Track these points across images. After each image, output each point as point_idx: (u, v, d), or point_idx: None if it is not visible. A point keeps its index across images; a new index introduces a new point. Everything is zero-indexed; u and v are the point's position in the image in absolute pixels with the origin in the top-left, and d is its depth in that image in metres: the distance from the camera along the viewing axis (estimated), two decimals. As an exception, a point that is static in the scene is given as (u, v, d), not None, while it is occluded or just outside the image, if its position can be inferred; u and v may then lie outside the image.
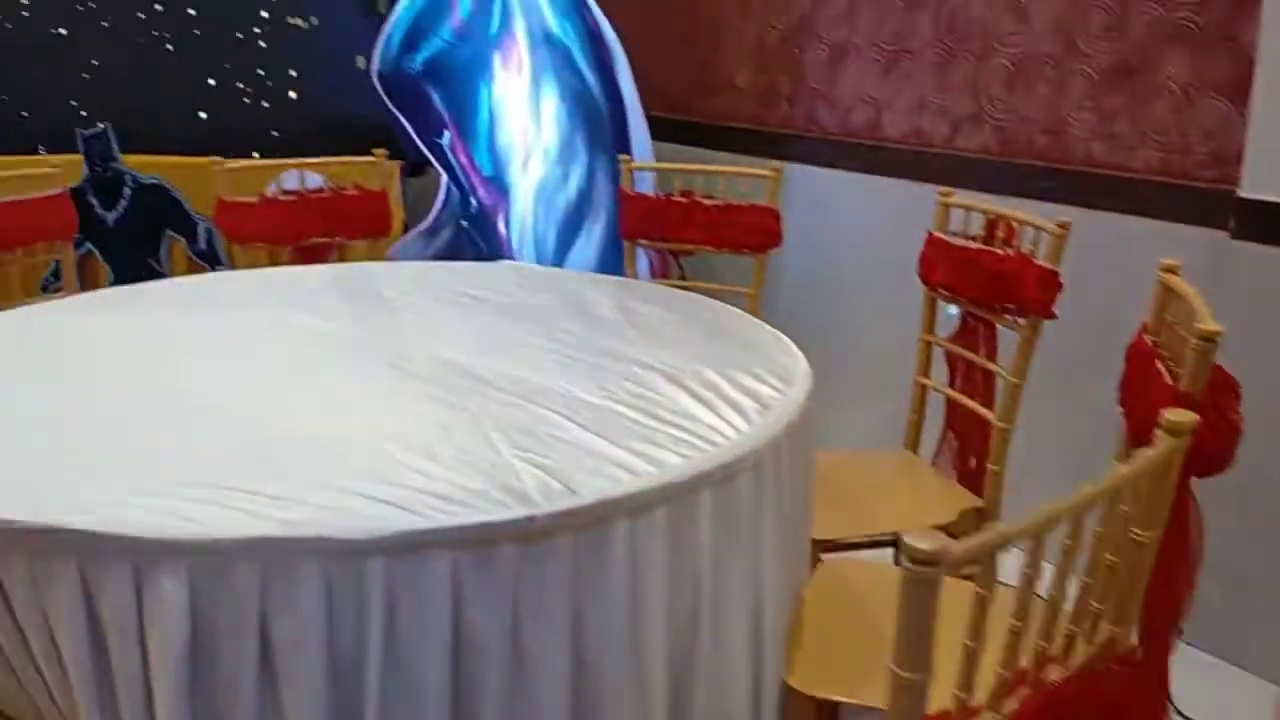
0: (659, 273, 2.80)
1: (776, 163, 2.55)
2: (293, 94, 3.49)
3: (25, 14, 3.36)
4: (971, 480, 2.09)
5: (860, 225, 3.08)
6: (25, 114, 3.41)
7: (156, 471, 1.25)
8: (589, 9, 3.05)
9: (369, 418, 1.45)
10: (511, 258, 3.32)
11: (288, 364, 1.71)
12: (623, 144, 3.12)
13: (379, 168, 2.73)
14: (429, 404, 1.49)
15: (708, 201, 2.54)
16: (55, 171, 2.45)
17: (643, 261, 2.87)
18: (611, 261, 3.16)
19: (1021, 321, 1.96)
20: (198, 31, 3.44)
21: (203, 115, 3.48)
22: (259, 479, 1.22)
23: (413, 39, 3.22)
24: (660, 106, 3.55)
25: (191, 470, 1.25)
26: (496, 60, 3.20)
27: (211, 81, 3.47)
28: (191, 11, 3.42)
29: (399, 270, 2.32)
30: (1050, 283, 1.88)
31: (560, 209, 3.26)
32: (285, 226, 2.59)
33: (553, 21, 3.09)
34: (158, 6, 3.39)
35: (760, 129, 3.38)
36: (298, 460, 1.30)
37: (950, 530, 1.91)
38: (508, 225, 3.32)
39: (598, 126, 3.15)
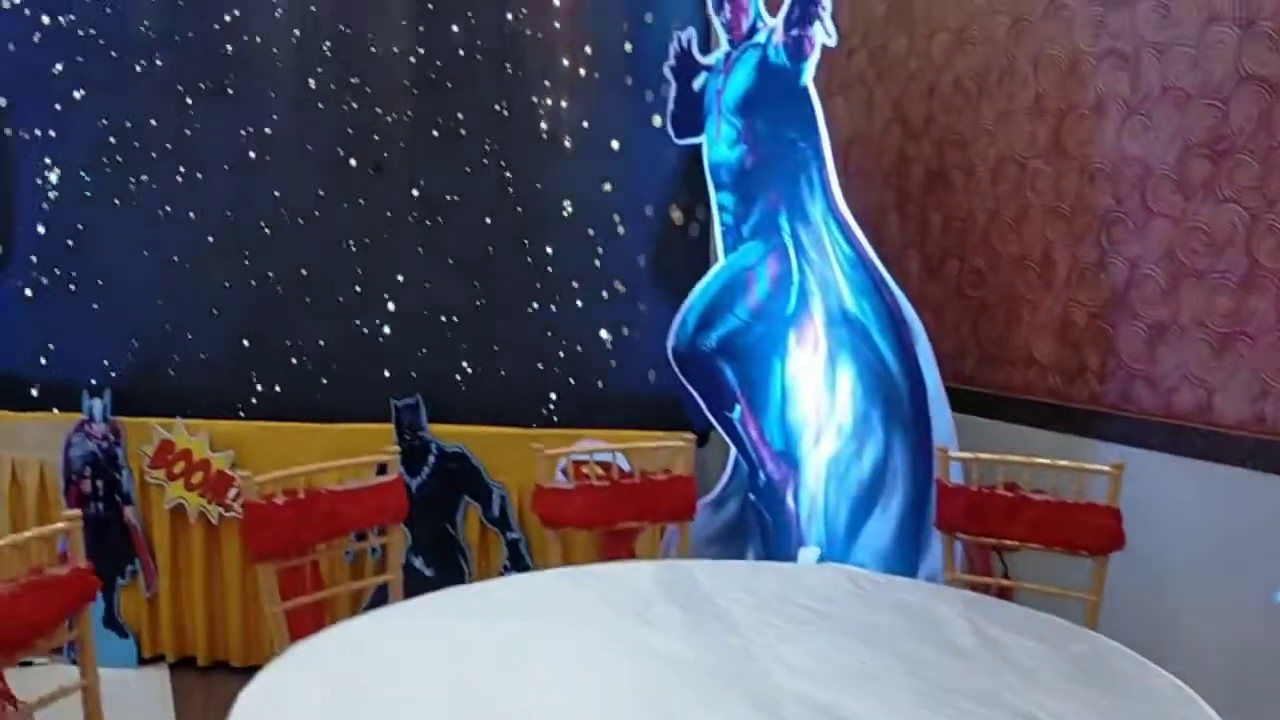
0: (979, 569, 2.64)
1: (1115, 459, 2.39)
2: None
3: (358, 289, 3.66)
4: None
5: (1190, 515, 2.84)
6: (343, 387, 3.67)
7: None
8: (888, 288, 3.04)
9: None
10: (800, 533, 3.24)
11: (631, 689, 1.64)
12: (923, 423, 3.03)
13: (687, 452, 2.73)
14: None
15: (1036, 497, 2.41)
16: (392, 457, 2.56)
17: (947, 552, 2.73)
18: (909, 543, 3.03)
19: None
20: (492, 302, 3.66)
21: (502, 385, 3.64)
22: None
23: (708, 318, 3.29)
24: (951, 376, 3.46)
25: None
26: (792, 337, 3.22)
27: (506, 351, 3.65)
28: (477, 284, 3.65)
29: (721, 571, 2.26)
30: None
31: (853, 486, 3.17)
32: (597, 512, 2.61)
33: (851, 301, 3.10)
34: (475, 283, 3.63)
35: (1063, 404, 3.23)
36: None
37: None
38: (797, 500, 3.26)
39: (895, 404, 3.08)
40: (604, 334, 3.58)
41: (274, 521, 2.29)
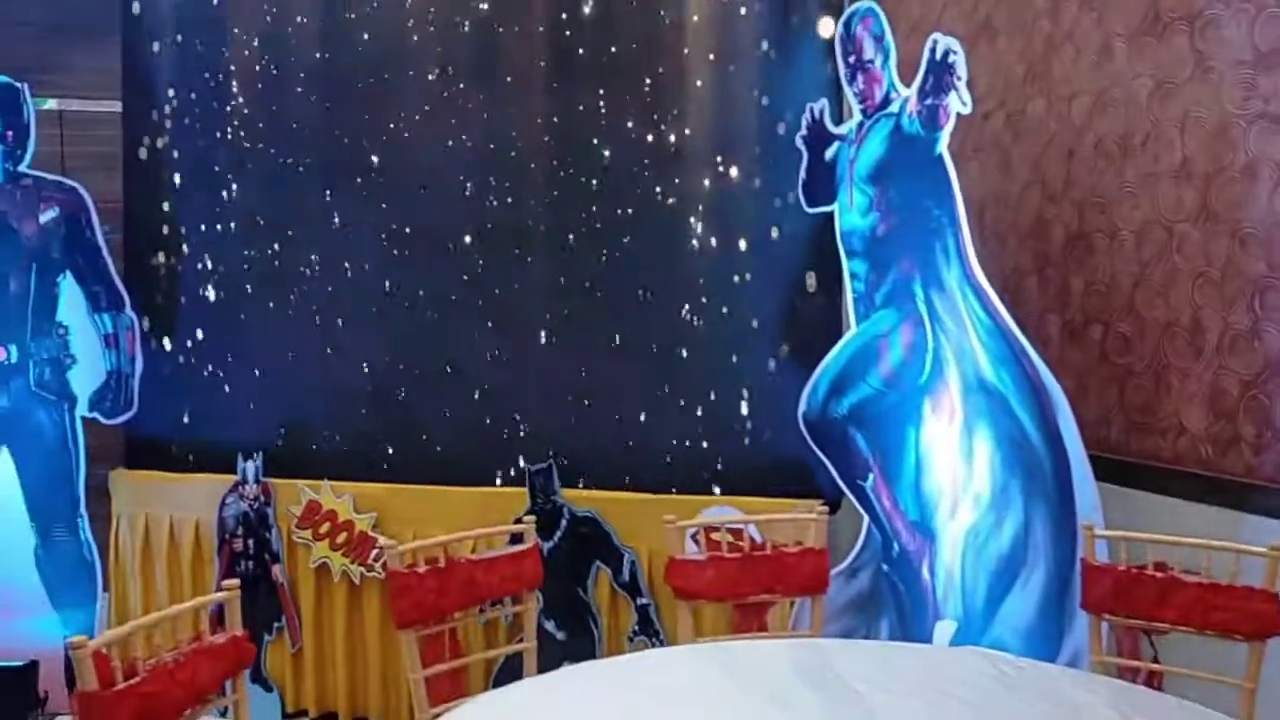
0: (1128, 652, 2.54)
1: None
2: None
3: (495, 359, 3.76)
4: None
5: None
6: (479, 452, 3.77)
7: None
8: (1028, 357, 2.98)
9: None
10: (936, 606, 3.17)
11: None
12: (1066, 496, 2.94)
13: (820, 524, 2.71)
14: None
15: (1188, 578, 2.31)
16: (529, 527, 2.62)
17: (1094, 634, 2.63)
18: (1051, 621, 2.92)
19: None
20: (624, 367, 3.70)
21: (633, 449, 3.68)
22: None
23: (840, 385, 3.27)
24: (1095, 444, 3.36)
25: None
26: (926, 405, 3.17)
27: (637, 416, 3.69)
28: (610, 351, 3.70)
29: (857, 653, 2.23)
30: None
31: (992, 559, 3.08)
32: (729, 584, 2.61)
33: (988, 369, 3.04)
34: (607, 350, 3.69)
35: (1216, 476, 3.09)
36: None
37: None
38: (932, 572, 3.19)
39: (1036, 476, 3.00)
40: (735, 399, 3.58)
41: (416, 590, 2.36)
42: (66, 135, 5.10)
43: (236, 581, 2.12)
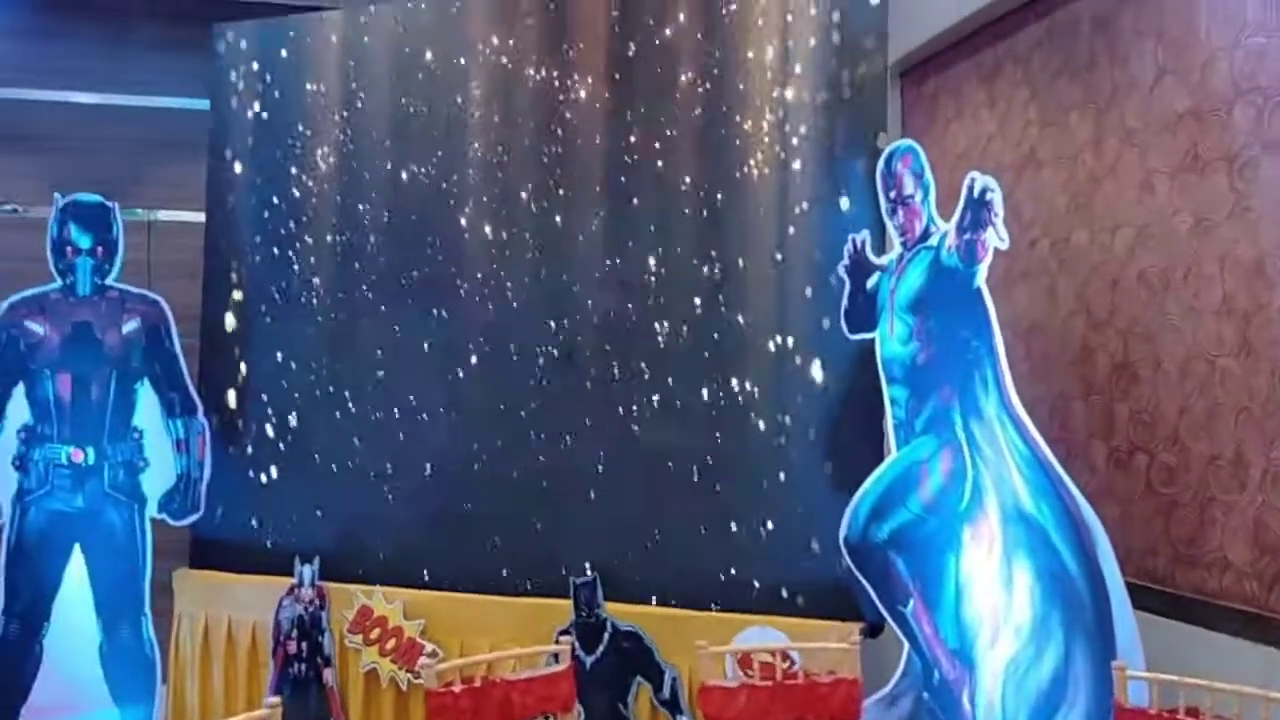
0: (1162, 798, 2.50)
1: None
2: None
3: (543, 472, 3.86)
4: None
5: None
6: (526, 563, 3.85)
7: None
8: (1067, 490, 3.00)
9: None
10: (976, 736, 3.15)
11: None
12: (1106, 631, 2.93)
13: (853, 654, 2.74)
14: None
15: (1221, 726, 2.29)
16: (565, 648, 2.68)
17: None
18: (1094, 758, 2.89)
19: None
20: (669, 485, 3.78)
21: (676, 566, 3.73)
22: None
23: (881, 509, 3.31)
24: (1140, 574, 3.34)
25: None
26: (966, 533, 3.19)
27: (681, 534, 3.75)
28: (656, 468, 3.78)
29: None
30: None
31: (1032, 692, 3.07)
32: (761, 714, 2.64)
33: (1027, 500, 3.06)
34: (653, 467, 3.78)
35: (1261, 613, 3.05)
36: None
37: None
38: (973, 702, 3.17)
39: (1076, 609, 3.00)
40: (778, 520, 3.63)
41: (451, 710, 2.43)
42: (154, 243, 5.42)
43: (278, 700, 2.21)
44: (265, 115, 4.33)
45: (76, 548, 4.01)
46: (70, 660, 3.99)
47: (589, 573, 3.67)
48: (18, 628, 3.99)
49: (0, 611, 4.00)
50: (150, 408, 4.09)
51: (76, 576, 4.02)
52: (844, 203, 3.56)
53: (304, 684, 3.86)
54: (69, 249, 4.05)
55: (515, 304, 3.94)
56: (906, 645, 3.32)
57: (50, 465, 4.00)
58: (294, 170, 4.26)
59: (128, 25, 5.63)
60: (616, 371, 3.82)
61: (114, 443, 4.03)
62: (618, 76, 3.88)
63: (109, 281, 4.08)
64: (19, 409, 4.03)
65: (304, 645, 3.90)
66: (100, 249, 4.06)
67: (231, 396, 4.26)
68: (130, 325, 4.05)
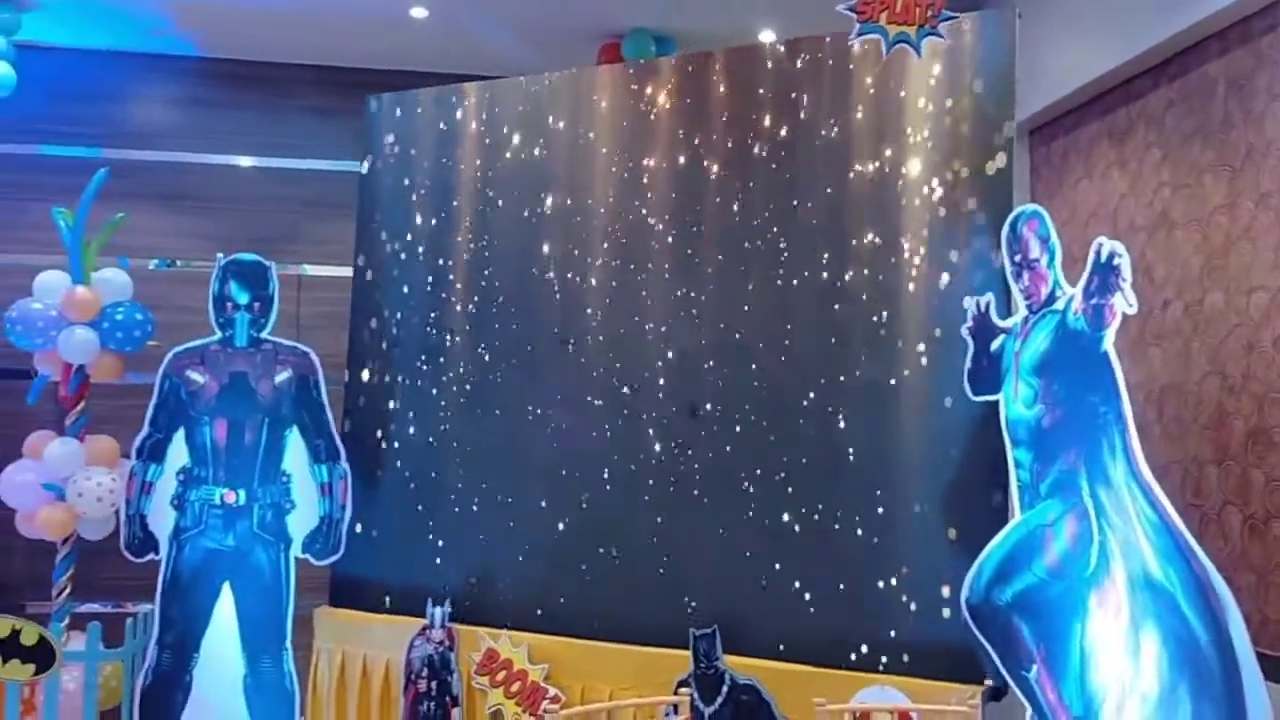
0: None
1: None
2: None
3: (667, 526, 3.96)
4: None
5: None
6: (648, 612, 3.94)
7: None
8: (1196, 557, 2.94)
9: None
10: (1103, 809, 3.08)
11: None
12: (1235, 701, 2.86)
13: (973, 716, 2.74)
14: None
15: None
16: (685, 700, 2.75)
17: None
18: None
19: None
20: (790, 542, 3.82)
21: (794, 622, 3.76)
22: None
23: (1004, 571, 3.29)
24: (1270, 643, 3.25)
25: None
26: (1092, 599, 3.15)
27: (801, 589, 3.78)
28: (775, 526, 3.82)
29: None
30: None
31: (1161, 762, 3.00)
32: (879, 771, 2.65)
33: (1156, 567, 3.02)
34: (773, 525, 3.84)
35: None
36: None
37: None
38: (1099, 771, 3.11)
39: (1206, 679, 2.93)
40: (899, 580, 3.64)
41: (576, 753, 2.52)
42: (303, 296, 5.74)
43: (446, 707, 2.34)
44: (411, 179, 4.59)
45: (226, 585, 4.26)
46: (217, 691, 4.23)
47: (709, 625, 3.72)
48: (170, 658, 4.25)
49: (155, 642, 4.27)
50: (297, 453, 4.34)
51: (224, 611, 4.27)
52: (965, 264, 3.58)
53: (433, 722, 4.01)
54: (228, 304, 4.35)
55: (650, 367, 4.07)
56: (1029, 711, 3.28)
57: (205, 505, 4.27)
58: (436, 231, 4.49)
59: (287, 93, 6.04)
60: (740, 428, 3.90)
61: (264, 485, 4.29)
62: (750, 149, 4.01)
63: (264, 335, 4.36)
64: (179, 452, 4.33)
65: (434, 684, 4.05)
66: (257, 304, 4.35)
67: (372, 444, 4.47)
68: (282, 375, 4.32)
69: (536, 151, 4.36)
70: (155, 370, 4.74)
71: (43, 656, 4.87)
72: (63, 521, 4.97)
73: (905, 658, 3.58)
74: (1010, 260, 3.39)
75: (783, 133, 3.95)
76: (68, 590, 5.08)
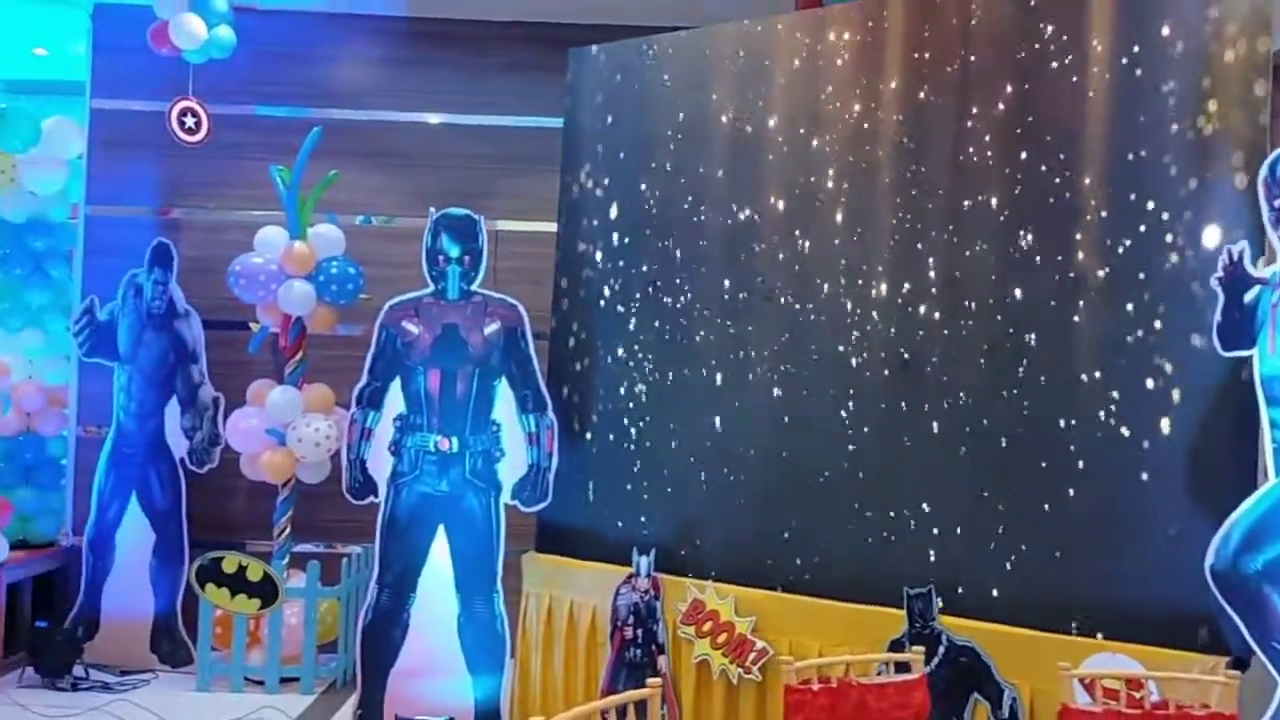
0: None
1: None
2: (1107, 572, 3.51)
3: (879, 478, 3.88)
4: None
5: None
6: (858, 568, 3.88)
7: None
8: None
9: None
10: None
11: None
12: None
13: (1232, 689, 2.59)
14: None
15: None
16: (918, 657, 2.70)
17: None
18: None
19: None
20: (1014, 499, 3.68)
21: (1016, 583, 3.64)
22: None
23: (1255, 538, 3.10)
24: None
25: None
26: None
27: (1023, 549, 3.64)
28: (996, 481, 3.68)
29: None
30: None
31: None
32: (1126, 742, 2.54)
33: None
34: (993, 480, 3.71)
35: None
36: None
37: None
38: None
39: None
40: (1134, 543, 3.46)
41: (809, 707, 2.51)
42: (500, 251, 5.85)
43: (659, 681, 2.37)
44: (615, 131, 4.58)
45: (440, 528, 4.42)
46: (433, 629, 4.40)
47: (925, 584, 3.65)
48: (389, 597, 4.45)
49: (375, 581, 4.47)
50: (506, 403, 4.45)
51: (439, 554, 4.44)
52: (1222, 212, 3.34)
53: (639, 668, 4.07)
54: (440, 257, 4.47)
55: (857, 320, 3.97)
56: (1280, 684, 3.09)
57: (420, 452, 4.43)
58: (640, 184, 4.48)
59: (486, 51, 6.13)
60: (966, 380, 3.75)
61: (475, 434, 4.42)
62: (965, 77, 3.83)
63: (474, 287, 4.46)
64: (395, 400, 4.50)
65: (639, 632, 4.11)
66: (468, 258, 4.46)
67: (578, 396, 4.53)
68: (491, 327, 4.42)
69: (744, 101, 4.29)
70: (365, 322, 4.94)
71: (267, 592, 5.22)
72: (283, 465, 5.27)
73: (1137, 625, 3.40)
74: (1268, 205, 3.14)
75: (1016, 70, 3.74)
76: (287, 531, 5.38)
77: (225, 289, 5.35)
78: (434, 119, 6.20)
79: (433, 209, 4.56)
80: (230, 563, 5.21)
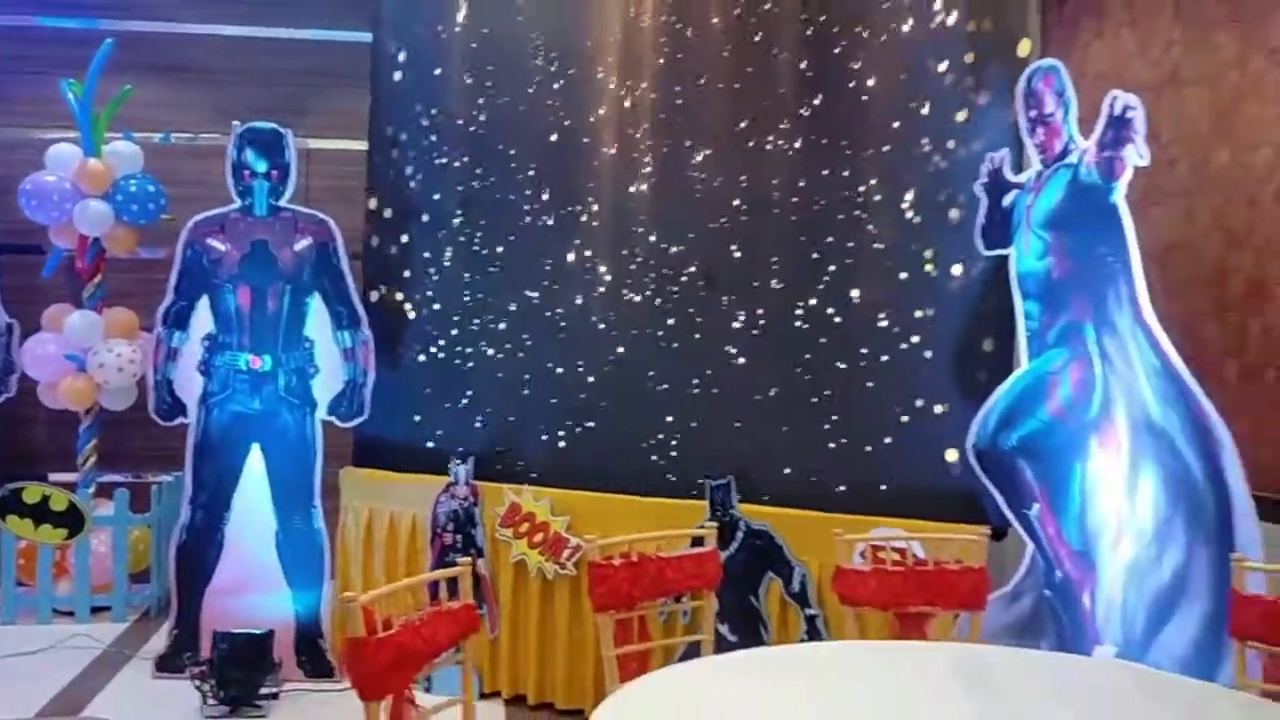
0: (1271, 677, 2.63)
1: None
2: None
3: (682, 383, 4.10)
4: None
5: None
6: (664, 466, 4.10)
7: None
8: (1195, 399, 3.09)
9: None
10: (1095, 632, 3.29)
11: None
12: (1227, 535, 3.04)
13: (980, 545, 2.91)
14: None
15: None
16: (710, 532, 2.92)
17: (1254, 664, 2.72)
18: (1209, 652, 3.02)
19: None
20: (800, 394, 3.97)
21: (806, 471, 3.93)
22: None
23: (1010, 417, 3.45)
24: (1269, 487, 3.41)
25: None
26: (1093, 441, 3.31)
27: (811, 440, 3.94)
28: (787, 378, 3.96)
29: (1014, 659, 2.43)
30: None
31: (1152, 591, 3.19)
32: (891, 594, 2.83)
33: (1155, 409, 3.17)
34: (784, 377, 3.98)
35: (1392, 524, 3.11)
36: None
37: None
38: (1093, 600, 3.32)
39: (1199, 514, 3.10)
40: (905, 428, 3.80)
41: (611, 579, 2.69)
42: (311, 170, 5.75)
43: (470, 560, 2.50)
44: (424, 46, 4.55)
45: (255, 446, 4.40)
46: (249, 545, 4.40)
47: (725, 477, 3.89)
48: (203, 516, 4.41)
49: (187, 502, 4.43)
50: (319, 320, 4.43)
51: (255, 472, 4.42)
52: (981, 120, 3.64)
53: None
54: (246, 172, 4.39)
55: (668, 230, 4.15)
56: (1030, 546, 3.47)
57: (231, 371, 4.38)
58: (450, 101, 4.49)
59: (288, -38, 5.95)
60: (760, 289, 4.00)
61: (288, 351, 4.39)
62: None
63: (282, 203, 4.41)
64: (203, 319, 4.42)
65: (459, 538, 4.23)
66: (275, 173, 4.38)
67: (391, 311, 4.55)
68: (302, 243, 4.38)
69: (548, 11, 4.36)
70: (167, 245, 4.80)
71: (73, 522, 5.08)
72: (85, 392, 5.10)
73: (910, 503, 3.74)
74: (1025, 115, 3.45)
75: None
76: (92, 460, 5.24)
77: (16, 210, 5.09)
78: (240, 31, 5.99)
79: (236, 123, 4.46)
80: (33, 493, 5.03)
